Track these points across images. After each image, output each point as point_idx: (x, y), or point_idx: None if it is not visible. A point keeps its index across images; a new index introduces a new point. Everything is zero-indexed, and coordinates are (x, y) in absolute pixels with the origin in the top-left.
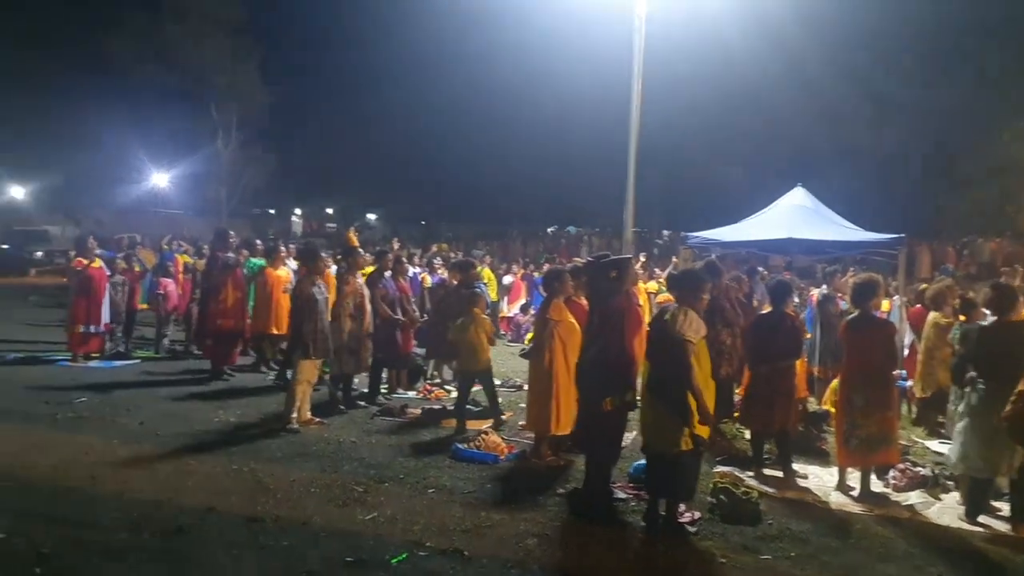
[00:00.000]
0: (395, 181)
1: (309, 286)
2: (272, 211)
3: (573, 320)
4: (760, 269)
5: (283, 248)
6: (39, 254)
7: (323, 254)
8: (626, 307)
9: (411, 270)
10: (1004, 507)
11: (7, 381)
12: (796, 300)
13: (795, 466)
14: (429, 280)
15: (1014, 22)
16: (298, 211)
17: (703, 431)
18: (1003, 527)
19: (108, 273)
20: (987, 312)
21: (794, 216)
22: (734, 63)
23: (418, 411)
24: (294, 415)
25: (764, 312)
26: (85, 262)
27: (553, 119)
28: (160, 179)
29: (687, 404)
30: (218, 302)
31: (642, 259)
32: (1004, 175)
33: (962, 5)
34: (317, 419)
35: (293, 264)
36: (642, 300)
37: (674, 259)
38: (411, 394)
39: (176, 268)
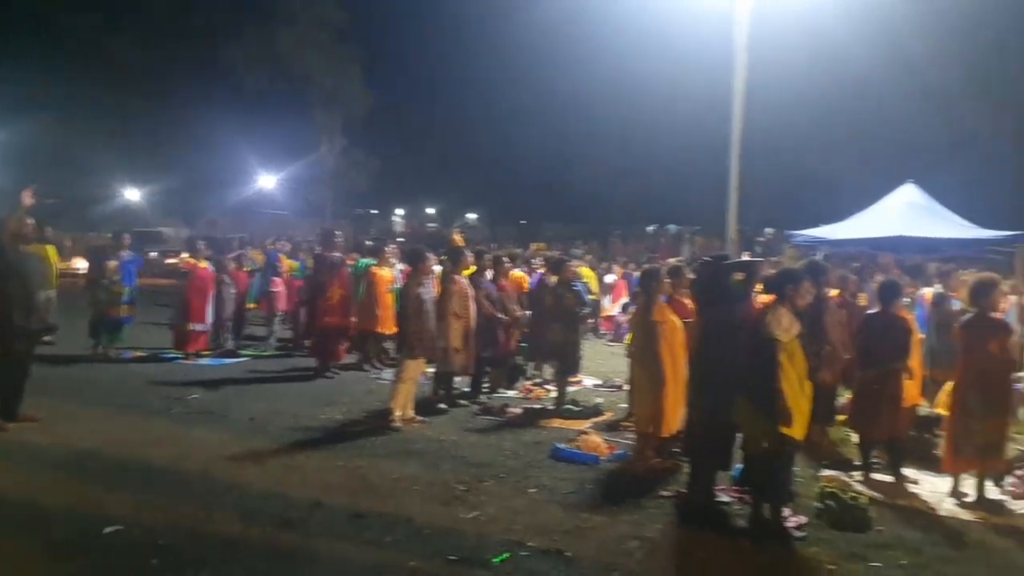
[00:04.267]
0: (494, 181)
1: (416, 287)
2: (374, 211)
3: (676, 320)
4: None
5: (387, 248)
6: (154, 254)
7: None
8: (751, 311)
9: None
10: None
11: (126, 378)
12: (907, 300)
13: (906, 472)
14: (527, 280)
15: None
16: (399, 211)
17: (796, 432)
18: None
19: (215, 272)
20: None
21: (905, 213)
22: (839, 54)
23: (518, 410)
24: (397, 413)
25: (873, 312)
26: (194, 262)
27: (653, 116)
28: (268, 182)
29: (775, 403)
30: (324, 300)
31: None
32: None
33: None
34: (420, 418)
35: (399, 264)
36: None
37: (778, 259)
38: (511, 393)
39: (283, 268)
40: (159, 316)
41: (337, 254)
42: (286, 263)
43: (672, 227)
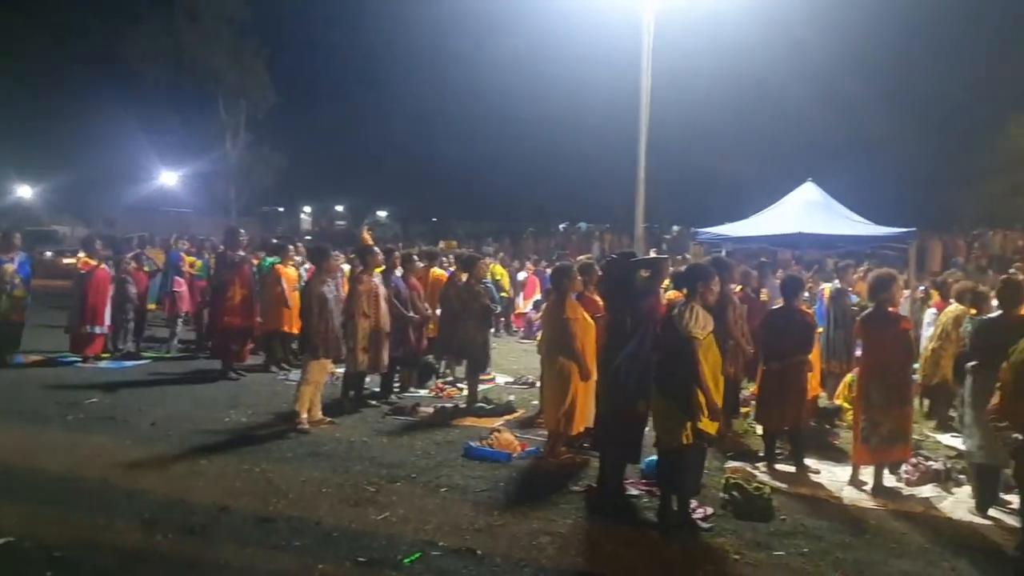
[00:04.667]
0: (405, 178)
1: (319, 285)
2: (281, 209)
3: (588, 317)
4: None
5: (292, 246)
6: (48, 254)
7: (335, 253)
8: (658, 307)
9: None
10: (1015, 500)
11: (18, 383)
12: (806, 295)
13: (807, 462)
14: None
15: (1020, 18)
16: (307, 209)
17: (710, 427)
18: (1013, 520)
19: (112, 273)
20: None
21: (804, 211)
22: (744, 57)
23: (430, 409)
24: (304, 415)
25: (776, 307)
26: (92, 263)
27: (563, 115)
28: (169, 178)
29: (694, 399)
30: (225, 300)
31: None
32: (1013, 168)
33: (973, 2)
34: (328, 419)
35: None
36: None
37: (685, 256)
38: (423, 392)
39: (185, 267)
40: (54, 319)
41: (241, 253)
42: (189, 262)
43: (583, 225)
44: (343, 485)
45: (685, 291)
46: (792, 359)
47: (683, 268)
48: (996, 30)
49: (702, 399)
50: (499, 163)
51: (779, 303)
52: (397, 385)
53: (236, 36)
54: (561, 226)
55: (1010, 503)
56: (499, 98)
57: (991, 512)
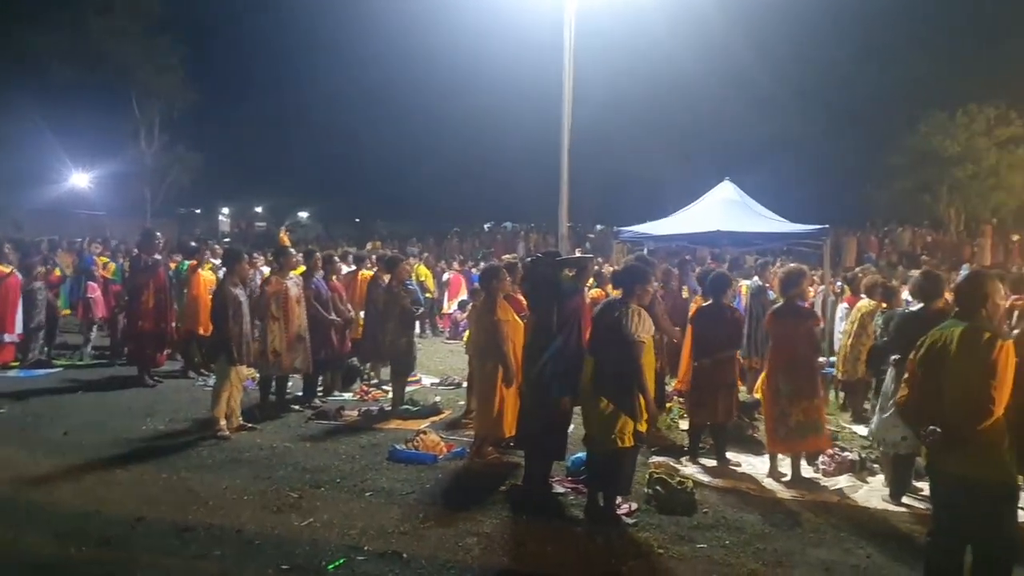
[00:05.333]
0: (327, 178)
1: (230, 288)
2: (198, 211)
3: (518, 319)
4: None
5: (208, 249)
6: None
7: (252, 255)
8: (583, 306)
9: (345, 269)
10: (926, 487)
11: None
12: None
13: (728, 455)
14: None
15: (931, 20)
16: (225, 210)
17: (642, 427)
18: (923, 506)
19: (22, 279)
20: (907, 299)
21: (722, 209)
22: (663, 58)
23: (355, 413)
24: (224, 421)
25: (704, 305)
26: (1, 269)
27: (487, 115)
28: (80, 179)
29: (636, 402)
30: (140, 304)
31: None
32: (922, 166)
33: (884, 4)
34: (249, 424)
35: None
36: None
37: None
38: (347, 396)
39: (99, 272)
40: None
41: (156, 256)
42: (102, 263)
43: (508, 224)
44: (265, 492)
45: (621, 291)
46: (722, 355)
47: (620, 268)
48: (907, 32)
49: (643, 402)
50: (423, 163)
51: (698, 300)
52: (320, 389)
53: (149, 32)
54: (486, 226)
55: (921, 490)
56: (422, 97)
57: (904, 499)
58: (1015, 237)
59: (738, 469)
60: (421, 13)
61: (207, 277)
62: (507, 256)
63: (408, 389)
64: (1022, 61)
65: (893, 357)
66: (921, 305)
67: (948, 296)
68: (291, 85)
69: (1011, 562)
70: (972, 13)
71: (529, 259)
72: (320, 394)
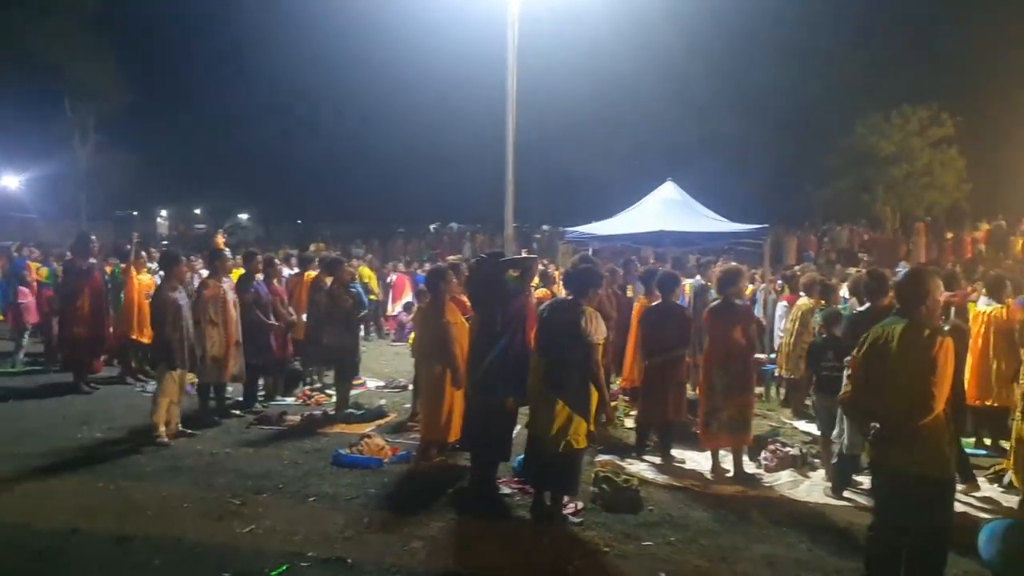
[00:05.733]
0: (268, 179)
1: (170, 292)
2: (135, 213)
3: (463, 320)
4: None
5: (144, 252)
6: None
7: (188, 258)
8: (528, 306)
9: (286, 271)
10: (865, 481)
11: None
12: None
13: (673, 452)
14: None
15: (867, 23)
16: (164, 213)
17: (592, 425)
18: (864, 500)
19: None
20: (845, 296)
21: (665, 209)
22: (607, 59)
23: (297, 418)
24: (163, 428)
25: (654, 304)
26: None
27: (432, 115)
28: (11, 182)
29: (590, 403)
30: (75, 309)
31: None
32: (860, 165)
33: (823, 7)
34: (188, 431)
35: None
36: None
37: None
38: (290, 400)
39: (31, 276)
40: None
41: (91, 260)
42: (34, 268)
43: (454, 225)
44: (206, 499)
45: (573, 293)
46: (672, 354)
47: (573, 271)
48: (844, 34)
49: (600, 402)
50: (367, 163)
51: (641, 299)
52: (262, 394)
53: (83, 31)
54: (432, 227)
55: (861, 484)
56: (366, 96)
57: (846, 493)
58: (949, 235)
59: (683, 466)
60: (363, 11)
61: (143, 280)
62: (452, 257)
63: (353, 393)
64: (953, 63)
65: (847, 359)
66: (868, 304)
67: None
68: (231, 85)
69: (943, 551)
70: (906, 16)
71: (473, 260)
72: (262, 399)
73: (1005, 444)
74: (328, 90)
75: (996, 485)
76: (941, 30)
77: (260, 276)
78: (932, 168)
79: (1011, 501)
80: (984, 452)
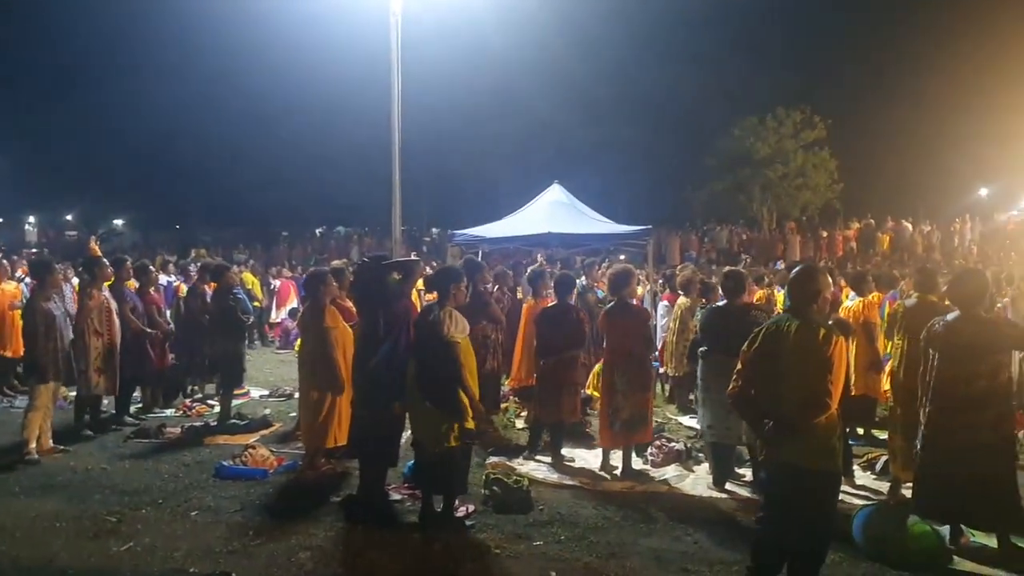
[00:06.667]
0: (144, 183)
1: (44, 302)
2: (1, 220)
3: (346, 326)
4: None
5: (5, 260)
6: None
7: (59, 265)
8: (412, 310)
9: (164, 279)
10: (747, 473)
11: None
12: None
13: (563, 451)
14: (184, 289)
15: (745, 29)
16: (32, 219)
17: (470, 425)
18: (746, 492)
19: None
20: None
21: (552, 211)
22: (494, 61)
23: (178, 430)
24: (33, 444)
25: (549, 305)
26: None
27: (317, 116)
28: None
29: (458, 401)
30: None
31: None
32: (737, 167)
33: (703, 14)
34: (60, 447)
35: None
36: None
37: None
38: (169, 412)
39: None
40: None
41: None
42: None
43: (341, 229)
44: (80, 517)
45: (436, 294)
46: (566, 354)
47: (433, 272)
48: (722, 39)
49: (466, 400)
50: (249, 166)
51: (529, 301)
52: (139, 406)
53: None
54: (318, 230)
55: (744, 476)
56: (247, 97)
57: (728, 486)
58: (824, 233)
59: (573, 465)
60: (243, 11)
61: (6, 290)
62: (336, 261)
63: (236, 403)
64: (824, 69)
65: (700, 349)
66: (725, 301)
67: (756, 290)
68: (103, 86)
69: (828, 541)
70: (782, 24)
71: (356, 264)
72: (139, 410)
73: (878, 433)
74: (208, 90)
75: (869, 472)
76: (815, 38)
77: (134, 284)
78: (805, 169)
79: (884, 487)
80: (856, 442)
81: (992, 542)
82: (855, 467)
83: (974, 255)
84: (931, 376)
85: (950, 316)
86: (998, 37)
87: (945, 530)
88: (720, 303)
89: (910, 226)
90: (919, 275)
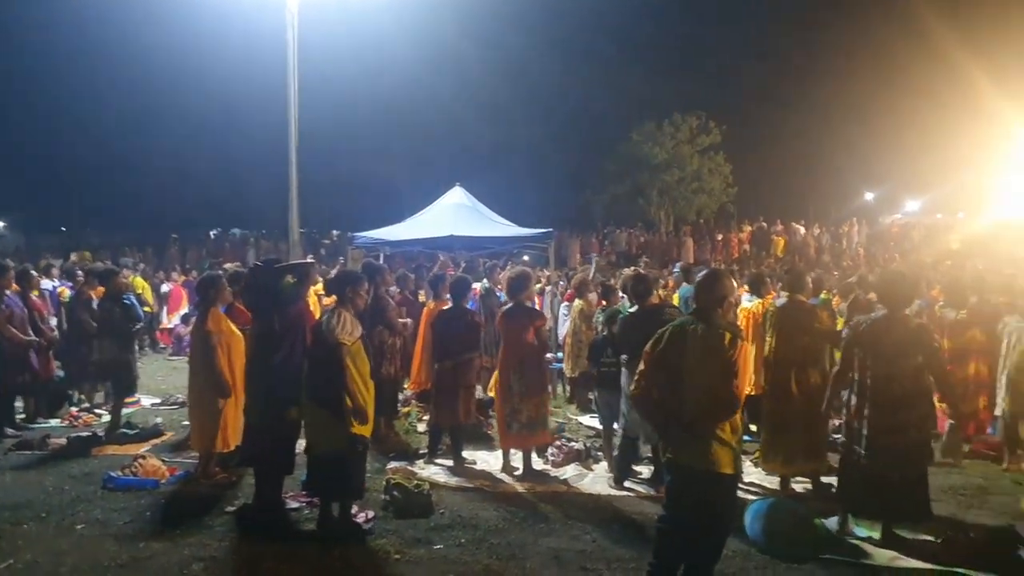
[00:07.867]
0: (27, 184)
1: None
2: None
3: (234, 328)
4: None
5: None
6: None
7: None
8: (307, 313)
9: (48, 283)
10: (645, 471)
11: None
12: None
13: (464, 453)
14: (68, 294)
15: (644, 35)
16: None
17: (364, 430)
18: (644, 489)
19: None
20: (624, 296)
21: (455, 214)
22: (394, 63)
23: (63, 440)
24: None
25: (445, 308)
26: None
27: (212, 115)
28: None
29: (344, 405)
30: None
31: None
32: (635, 172)
33: (605, 19)
34: None
35: None
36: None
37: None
38: (54, 422)
39: None
40: None
41: None
42: None
43: (236, 231)
44: None
45: (335, 297)
46: (462, 357)
47: (332, 276)
48: (622, 45)
49: (351, 404)
50: (139, 166)
51: (430, 304)
52: (21, 416)
53: None
54: (212, 233)
55: (641, 474)
56: (137, 95)
57: (625, 484)
58: (720, 236)
59: (474, 467)
60: (135, 10)
61: None
62: (230, 264)
63: (126, 411)
64: (719, 76)
65: (623, 357)
66: (636, 306)
67: (660, 292)
68: None
69: (725, 537)
70: (679, 31)
71: (250, 267)
72: (23, 421)
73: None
74: (96, 88)
75: (760, 468)
76: (710, 45)
77: (14, 289)
78: (701, 173)
79: (773, 483)
80: (749, 438)
81: (875, 532)
82: (747, 463)
83: (861, 257)
84: (866, 375)
85: (875, 315)
86: (884, 49)
87: (831, 521)
88: (632, 309)
89: (802, 228)
90: (788, 276)
